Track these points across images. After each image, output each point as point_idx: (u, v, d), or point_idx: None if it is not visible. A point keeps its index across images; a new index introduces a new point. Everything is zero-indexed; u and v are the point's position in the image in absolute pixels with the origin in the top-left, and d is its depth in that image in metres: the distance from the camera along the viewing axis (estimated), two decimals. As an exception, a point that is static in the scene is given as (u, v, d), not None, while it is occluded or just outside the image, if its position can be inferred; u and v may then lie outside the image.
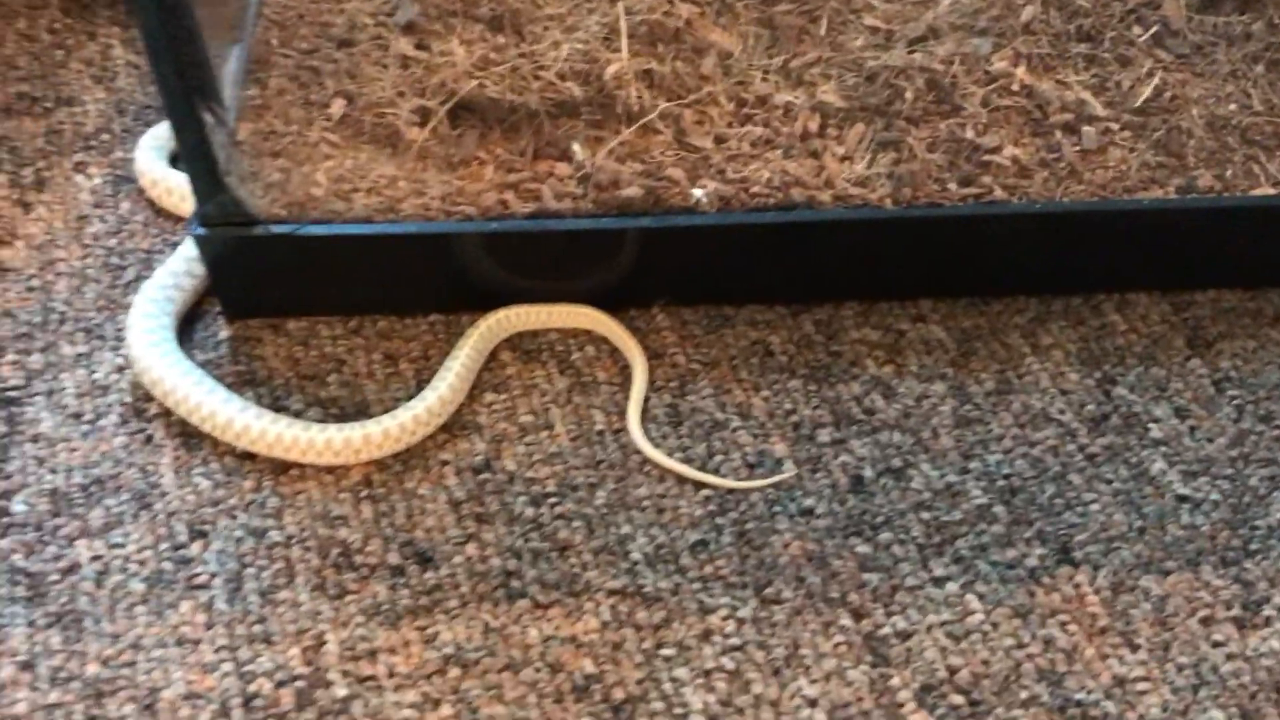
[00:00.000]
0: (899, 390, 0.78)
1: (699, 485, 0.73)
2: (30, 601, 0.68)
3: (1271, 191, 0.80)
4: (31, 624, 0.67)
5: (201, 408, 0.74)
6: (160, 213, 0.87)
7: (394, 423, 0.73)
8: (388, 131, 0.79)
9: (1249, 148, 0.82)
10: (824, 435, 0.76)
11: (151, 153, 0.87)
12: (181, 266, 0.80)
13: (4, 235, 0.86)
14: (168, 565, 0.70)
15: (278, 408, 0.76)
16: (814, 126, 0.81)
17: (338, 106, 0.80)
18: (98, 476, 0.74)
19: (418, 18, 0.83)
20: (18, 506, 0.72)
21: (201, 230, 0.75)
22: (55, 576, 0.69)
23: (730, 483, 0.73)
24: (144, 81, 0.96)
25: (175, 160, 0.88)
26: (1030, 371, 0.79)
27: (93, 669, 0.65)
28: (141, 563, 0.70)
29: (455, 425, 0.76)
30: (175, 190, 0.86)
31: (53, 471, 0.74)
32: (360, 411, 0.77)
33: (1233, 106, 0.83)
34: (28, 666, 0.66)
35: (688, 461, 0.74)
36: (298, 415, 0.76)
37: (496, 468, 0.74)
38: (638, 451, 0.75)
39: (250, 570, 0.70)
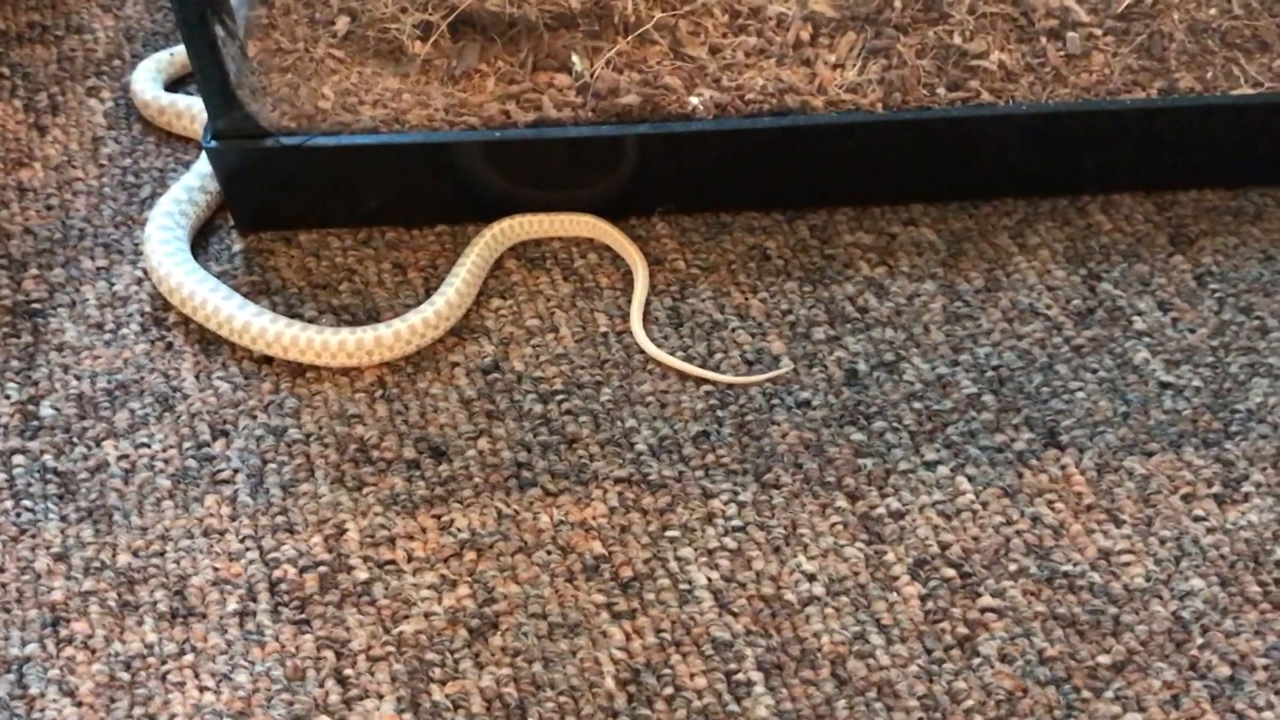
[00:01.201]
0: (891, 289, 0.81)
1: (700, 381, 0.76)
2: (61, 498, 0.71)
3: (1250, 92, 0.83)
4: (64, 519, 0.70)
5: (220, 313, 0.76)
6: (170, 135, 0.90)
7: (404, 325, 0.76)
8: (391, 46, 0.82)
9: (1228, 50, 0.84)
10: (819, 333, 0.79)
11: (148, 80, 0.90)
12: (195, 182, 0.82)
13: (22, 157, 0.89)
14: (192, 463, 0.73)
15: (292, 315, 0.79)
16: (806, 36, 0.83)
17: (342, 23, 0.83)
18: (121, 381, 0.77)
19: (418, -63, 0.85)
20: (46, 410, 0.75)
21: (214, 143, 0.78)
22: (84, 475, 0.72)
23: (730, 378, 0.76)
24: (151, 8, 0.98)
25: (170, 86, 0.91)
26: (1018, 270, 0.82)
27: (124, 559, 0.69)
28: (167, 460, 0.73)
29: (464, 329, 0.79)
30: (167, 110, 0.89)
31: (78, 378, 0.77)
32: (372, 318, 0.79)
33: (1213, 10, 0.85)
34: (62, 558, 0.69)
35: (689, 360, 0.77)
36: (311, 322, 0.79)
37: (505, 368, 0.77)
38: (641, 351, 0.78)
39: (271, 466, 0.73)
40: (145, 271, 0.81)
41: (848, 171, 0.83)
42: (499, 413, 0.75)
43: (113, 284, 0.81)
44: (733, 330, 0.79)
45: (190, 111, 0.87)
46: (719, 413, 0.75)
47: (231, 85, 0.75)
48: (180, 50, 0.91)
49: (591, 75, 0.80)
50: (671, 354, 0.77)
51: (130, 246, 0.83)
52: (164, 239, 0.79)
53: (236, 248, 0.83)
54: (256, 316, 0.76)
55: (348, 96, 0.80)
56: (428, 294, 0.80)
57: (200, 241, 0.83)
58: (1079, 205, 0.85)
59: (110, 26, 0.97)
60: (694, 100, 0.80)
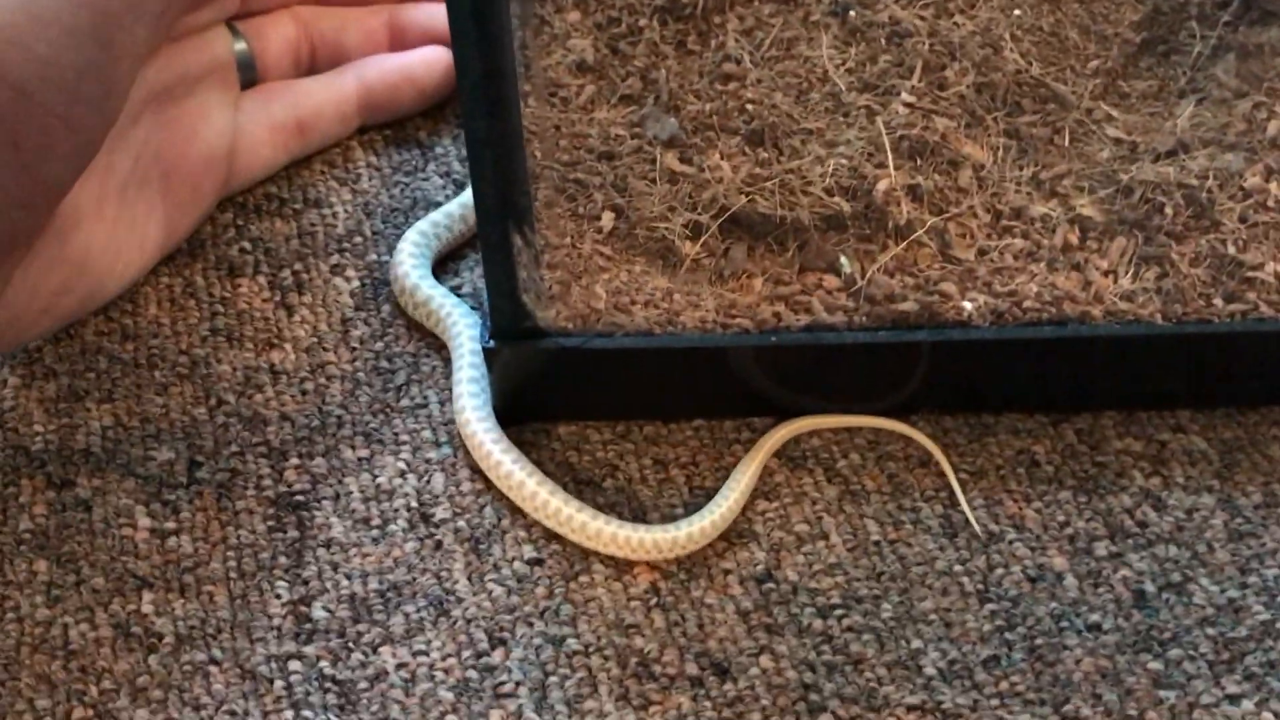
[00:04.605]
0: (1169, 502, 0.79)
1: (983, 599, 0.74)
2: (342, 709, 0.70)
3: None
4: (350, 732, 0.69)
5: (537, 496, 0.77)
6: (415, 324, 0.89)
7: (695, 527, 0.75)
8: (659, 245, 0.81)
9: None
10: (1100, 549, 0.77)
11: (413, 264, 0.89)
12: (476, 372, 0.82)
13: (272, 338, 0.89)
14: (473, 674, 0.72)
15: (558, 514, 0.78)
16: (1074, 239, 0.82)
17: (607, 219, 0.83)
18: (393, 582, 0.76)
19: (677, 132, 0.85)
20: (319, 612, 0.74)
21: (492, 343, 0.78)
22: (364, 684, 0.71)
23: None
24: (387, 183, 0.99)
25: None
26: (1295, 484, 0.80)
27: (416, 779, 0.67)
28: (447, 670, 0.72)
29: (732, 534, 0.78)
30: (420, 307, 0.87)
31: (348, 577, 0.76)
32: (638, 517, 0.78)
33: None
34: (351, 775, 0.68)
35: (967, 575, 0.75)
36: (578, 522, 0.78)
37: (778, 578, 0.76)
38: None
39: (554, 679, 0.71)
40: (460, 433, 0.80)
41: (1119, 377, 0.82)
42: (778, 627, 0.74)
43: (375, 476, 0.81)
44: (1010, 543, 0.77)
45: (441, 316, 0.85)
46: (1007, 635, 0.73)
47: (519, 290, 0.75)
48: (438, 223, 0.92)
49: (864, 278, 0.79)
50: (949, 568, 0.76)
51: (390, 436, 0.83)
52: (476, 405, 0.80)
53: (496, 441, 0.82)
54: (570, 505, 0.76)
55: (619, 296, 0.79)
56: (691, 493, 0.79)
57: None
58: (1349, 415, 0.83)
59: (348, 201, 0.98)
60: (968, 305, 0.79)
